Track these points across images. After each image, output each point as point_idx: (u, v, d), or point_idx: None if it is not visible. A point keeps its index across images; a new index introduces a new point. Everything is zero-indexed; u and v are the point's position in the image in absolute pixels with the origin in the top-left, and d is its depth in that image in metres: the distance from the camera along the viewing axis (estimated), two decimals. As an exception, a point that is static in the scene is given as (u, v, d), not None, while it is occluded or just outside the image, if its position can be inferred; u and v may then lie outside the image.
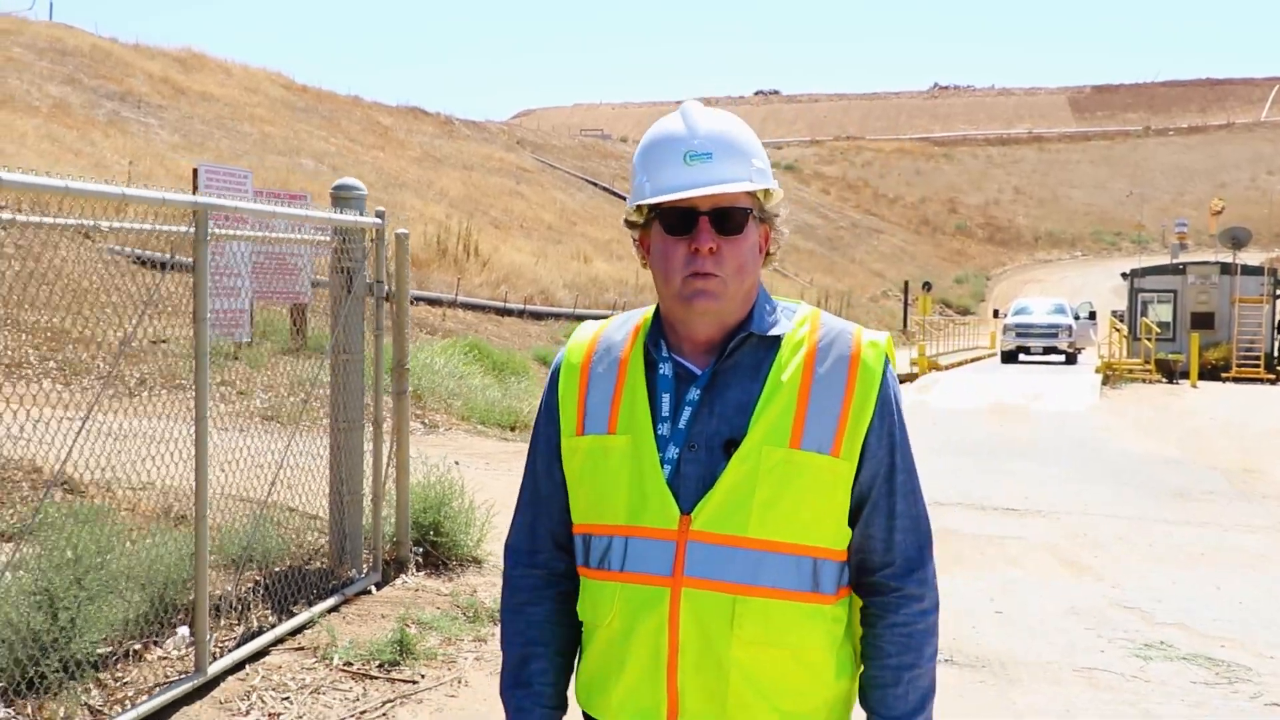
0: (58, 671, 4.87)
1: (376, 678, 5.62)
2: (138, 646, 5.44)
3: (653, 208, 2.16)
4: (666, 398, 2.16)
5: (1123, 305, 38.02)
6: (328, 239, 6.83)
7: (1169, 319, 33.72)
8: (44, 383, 11.65)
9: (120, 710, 4.88)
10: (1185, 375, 29.63)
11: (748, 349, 2.17)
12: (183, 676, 5.22)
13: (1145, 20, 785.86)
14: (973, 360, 39.25)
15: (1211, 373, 31.01)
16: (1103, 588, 8.15)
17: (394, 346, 7.35)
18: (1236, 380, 30.80)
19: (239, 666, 5.54)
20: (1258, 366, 31.77)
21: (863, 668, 2.21)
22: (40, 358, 12.67)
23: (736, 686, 2.08)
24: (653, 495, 2.11)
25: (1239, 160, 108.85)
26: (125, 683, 5.18)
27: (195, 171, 15.80)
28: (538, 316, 29.73)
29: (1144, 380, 29.39)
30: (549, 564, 2.30)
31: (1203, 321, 33.13)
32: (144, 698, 5.00)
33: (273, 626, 5.94)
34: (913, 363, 31.57)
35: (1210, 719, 5.65)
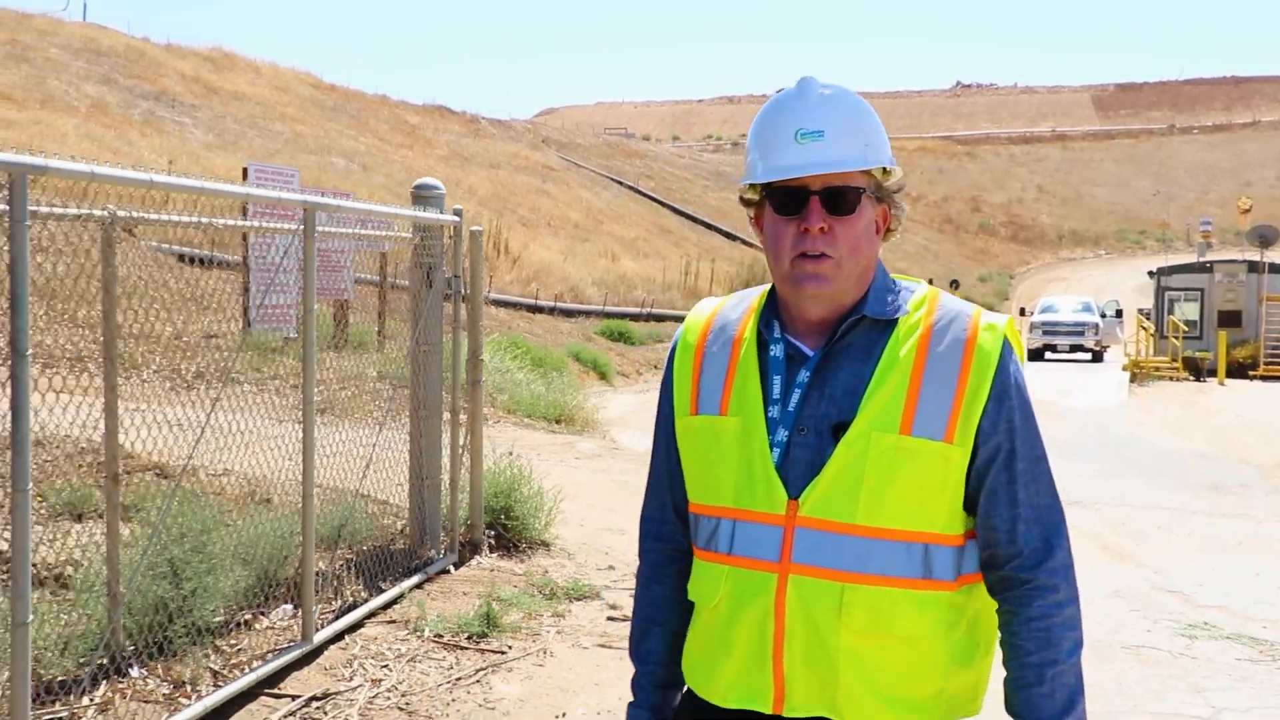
0: (183, 637, 5.24)
1: (467, 648, 5.97)
2: (248, 617, 5.82)
3: (765, 186, 2.14)
4: (778, 380, 2.14)
5: (1147, 304, 38.12)
6: (409, 236, 7.18)
7: (1196, 317, 33.83)
8: (88, 377, 12.03)
9: (239, 674, 5.24)
10: (1213, 373, 29.78)
11: (861, 331, 2.14)
12: (291, 644, 5.58)
13: (1169, 18, 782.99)
14: (999, 358, 39.42)
15: (1239, 371, 31.11)
16: (1145, 573, 8.45)
17: (469, 339, 7.70)
18: (1264, 378, 30.90)
19: (339, 637, 5.90)
20: (1286, 364, 31.91)
21: (1006, 673, 2.14)
22: (90, 353, 13.06)
23: (845, 675, 2.05)
24: (760, 479, 2.10)
25: (1264, 158, 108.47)
26: (239, 649, 5.55)
27: (245, 171, 16.22)
28: (568, 314, 30.06)
29: (1171, 378, 29.57)
30: (673, 538, 2.32)
31: (1230, 320, 33.23)
32: (258, 662, 5.37)
33: (365, 601, 6.30)
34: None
35: (1257, 691, 5.95)
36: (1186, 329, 32.40)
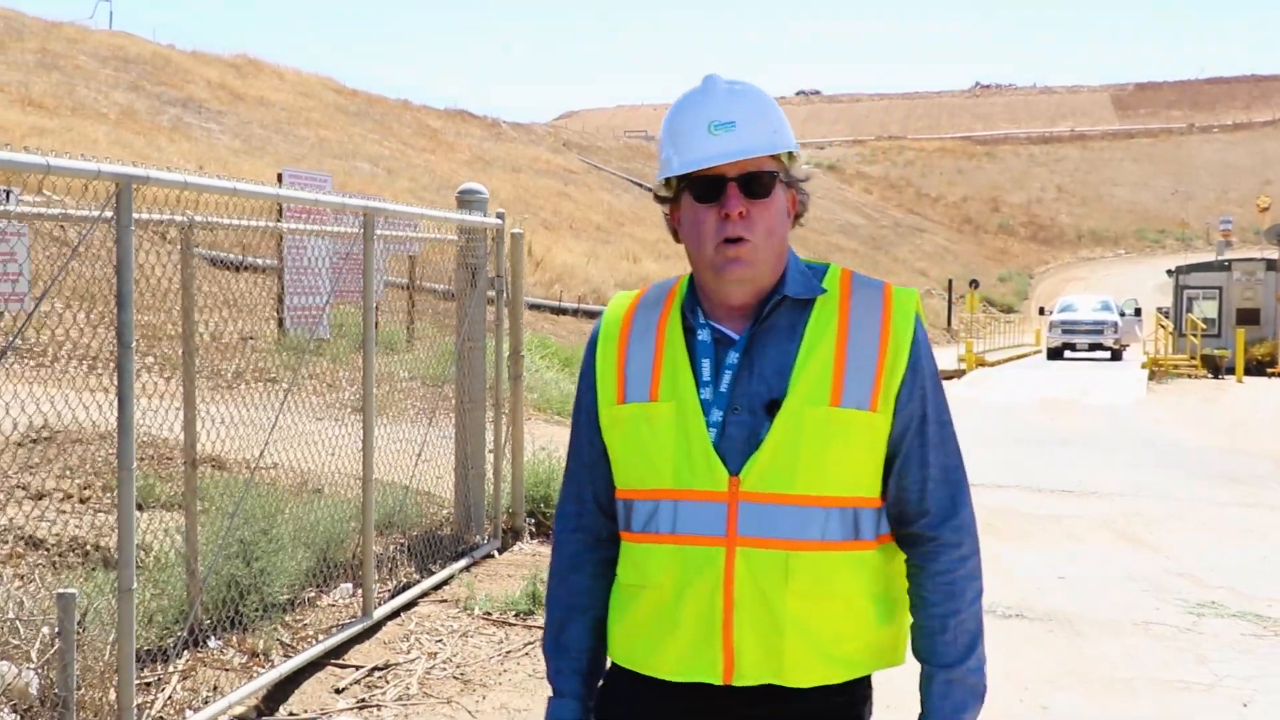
0: (255, 612, 5.66)
1: (514, 624, 6.37)
2: (311, 594, 6.24)
3: (681, 179, 2.22)
4: (707, 363, 2.21)
5: (1166, 303, 38.36)
6: (455, 239, 7.58)
7: (1214, 315, 34.06)
8: (146, 376, 12.49)
9: (306, 646, 5.64)
10: (1231, 370, 30.00)
11: (783, 310, 2.23)
12: (353, 620, 5.99)
13: (1189, 16, 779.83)
14: (1019, 357, 39.70)
15: (1257, 368, 31.32)
16: (1158, 558, 8.79)
17: (510, 335, 8.09)
18: (1282, 375, 31.13)
19: (395, 614, 6.32)
20: (1303, 362, 32.08)
21: (912, 620, 2.28)
22: (139, 353, 13.51)
23: (791, 638, 2.15)
24: (700, 458, 2.17)
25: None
26: (305, 624, 5.96)
27: (279, 176, 16.65)
28: (591, 315, 30.35)
29: (1189, 375, 29.82)
30: (594, 528, 2.37)
31: (1248, 317, 33.45)
32: (323, 636, 5.78)
33: (418, 582, 6.71)
34: (960, 359, 32.10)
35: (1259, 663, 6.30)
36: (1205, 327, 32.63)
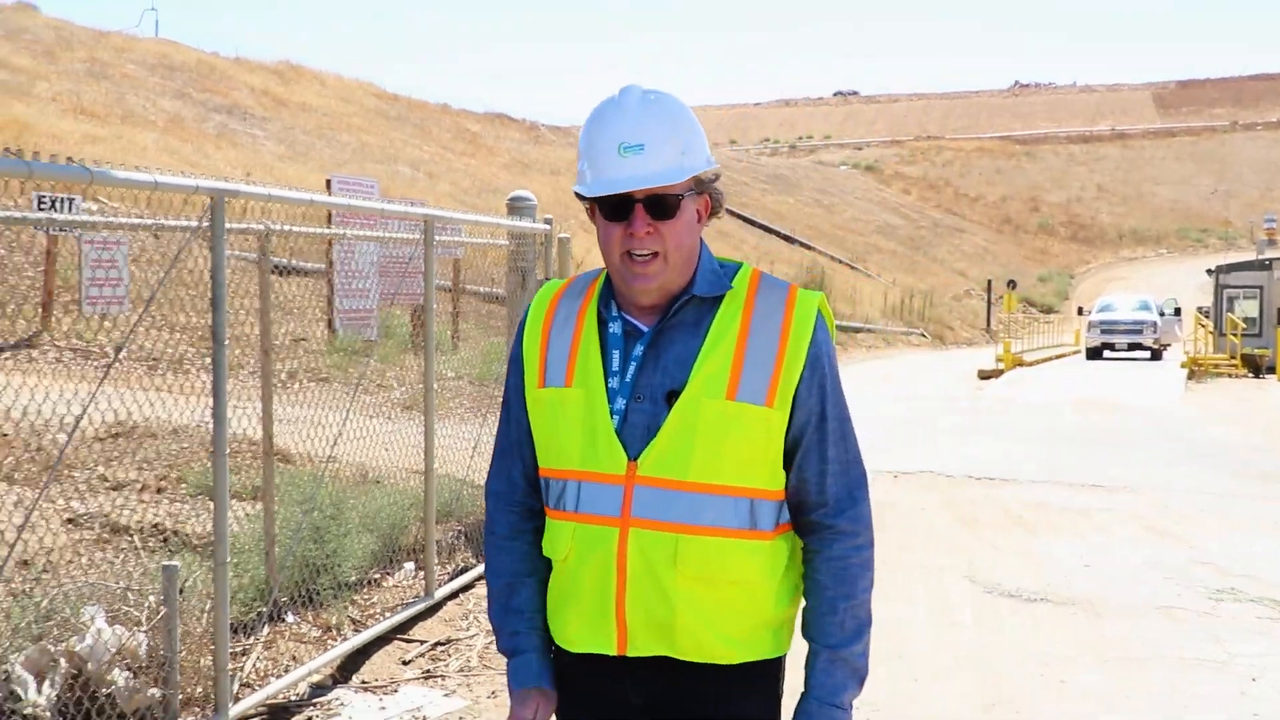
0: (328, 590, 6.10)
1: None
2: (377, 576, 6.68)
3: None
4: (616, 354, 2.33)
5: (1208, 302, 38.36)
6: (505, 243, 8.00)
7: (1255, 314, 34.06)
8: (203, 376, 13.00)
9: (374, 622, 6.08)
10: (1271, 370, 30.06)
11: (690, 308, 2.34)
12: (416, 599, 6.43)
13: (1233, 12, 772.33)
14: (1057, 357, 39.80)
15: (1298, 367, 31.35)
16: (1182, 549, 9.10)
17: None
18: (1322, 375, 31.12)
19: (454, 595, 6.75)
20: (1343, 361, 32.05)
21: (804, 603, 2.39)
22: (198, 354, 14.03)
23: (681, 617, 2.26)
24: (603, 443, 2.28)
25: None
26: (372, 602, 6.41)
27: (329, 182, 17.18)
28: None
29: (1229, 375, 29.91)
30: (524, 502, 2.49)
31: (1289, 316, 33.45)
32: (389, 613, 6.21)
33: (474, 566, 7.13)
34: (998, 359, 32.29)
35: (1272, 644, 6.62)
36: (1245, 326, 32.66)
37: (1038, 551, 8.88)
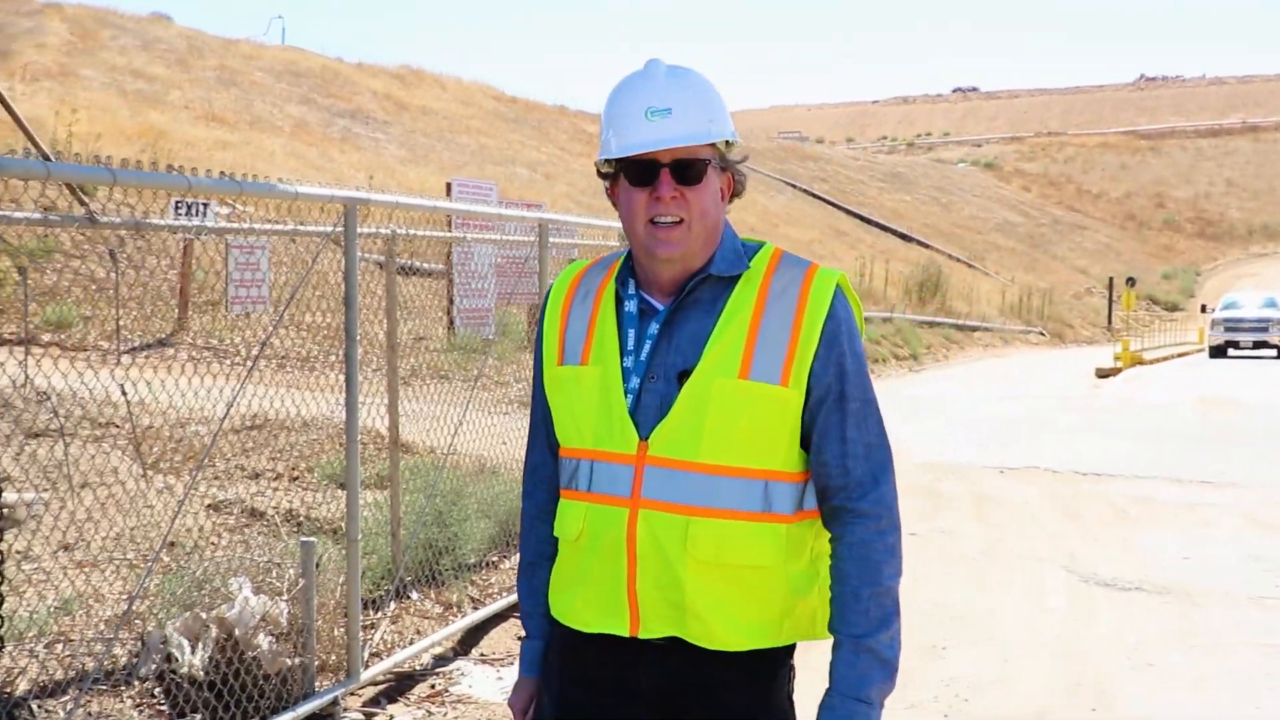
0: (449, 570, 6.54)
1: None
2: (494, 559, 7.11)
3: (619, 161, 2.28)
4: (631, 332, 2.31)
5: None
6: (616, 245, 8.38)
7: (1386, 311, 33.23)
8: (328, 373, 13.61)
9: (491, 600, 6.51)
10: (1400, 368, 29.30)
11: (707, 287, 2.30)
12: (531, 581, 6.84)
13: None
14: (1179, 355, 39.15)
15: None
16: (1286, 543, 9.18)
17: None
18: None
19: (567, 578, 7.15)
20: None
21: (830, 591, 2.29)
22: (323, 352, 14.66)
23: (692, 599, 2.21)
24: (616, 422, 2.26)
25: None
26: (490, 583, 6.83)
27: (449, 185, 17.75)
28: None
29: (1358, 373, 29.22)
30: (553, 480, 2.47)
31: None
32: (505, 592, 6.63)
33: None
34: (1116, 357, 31.94)
35: (1364, 633, 6.75)
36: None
37: (1138, 544, 9.02)
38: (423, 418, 8.24)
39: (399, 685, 5.59)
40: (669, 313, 2.29)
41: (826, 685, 2.24)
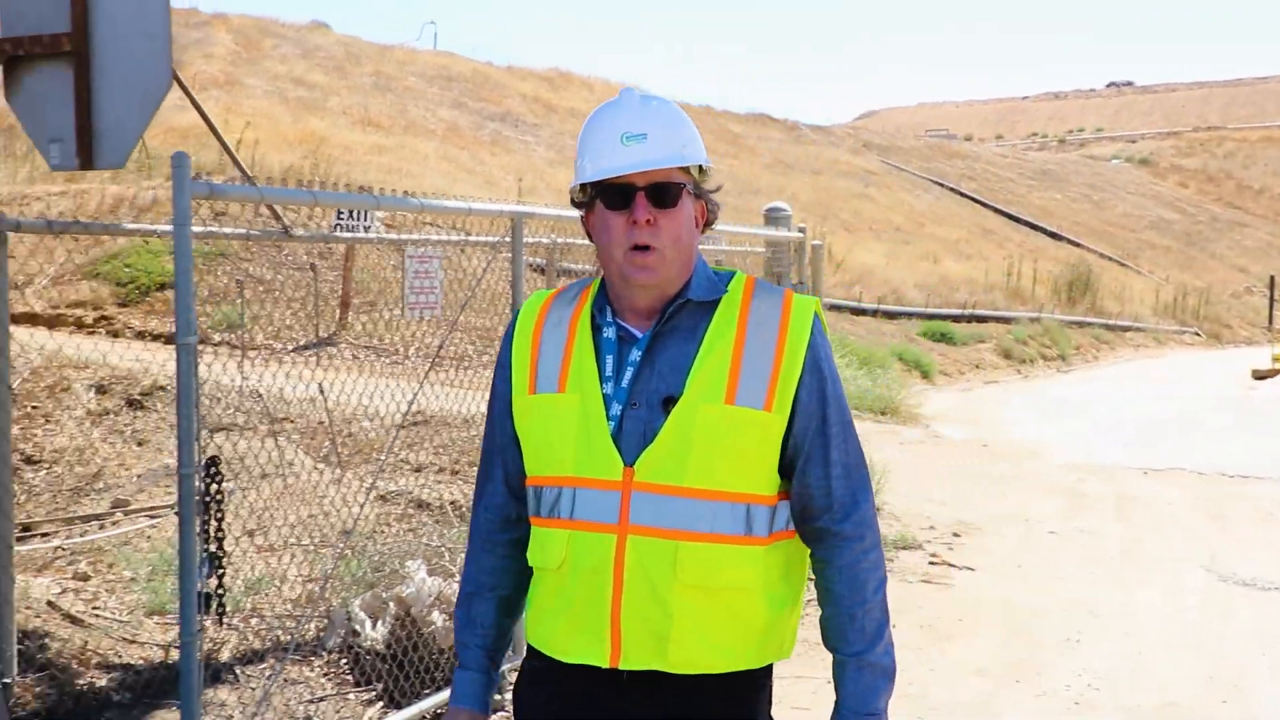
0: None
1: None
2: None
3: (595, 186, 2.30)
4: (610, 359, 2.30)
5: None
6: (761, 250, 8.72)
7: None
8: (484, 372, 14.14)
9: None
10: None
11: (685, 313, 2.31)
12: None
13: None
14: (1344, 356, 37.94)
15: None
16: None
17: (810, 334, 9.20)
18: None
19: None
20: None
21: (821, 612, 2.35)
22: (477, 351, 15.22)
23: (677, 627, 2.21)
24: (599, 449, 2.24)
25: None
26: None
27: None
28: (890, 316, 30.70)
29: None
30: (503, 509, 2.46)
31: None
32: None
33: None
34: (1275, 359, 31.14)
35: None
36: None
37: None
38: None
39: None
40: (650, 339, 2.30)
41: (835, 702, 2.32)
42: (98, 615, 5.79)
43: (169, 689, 5.07)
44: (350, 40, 49.96)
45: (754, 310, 2.30)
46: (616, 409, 2.25)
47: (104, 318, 14.48)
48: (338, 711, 5.08)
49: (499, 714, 4.96)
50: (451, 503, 8.04)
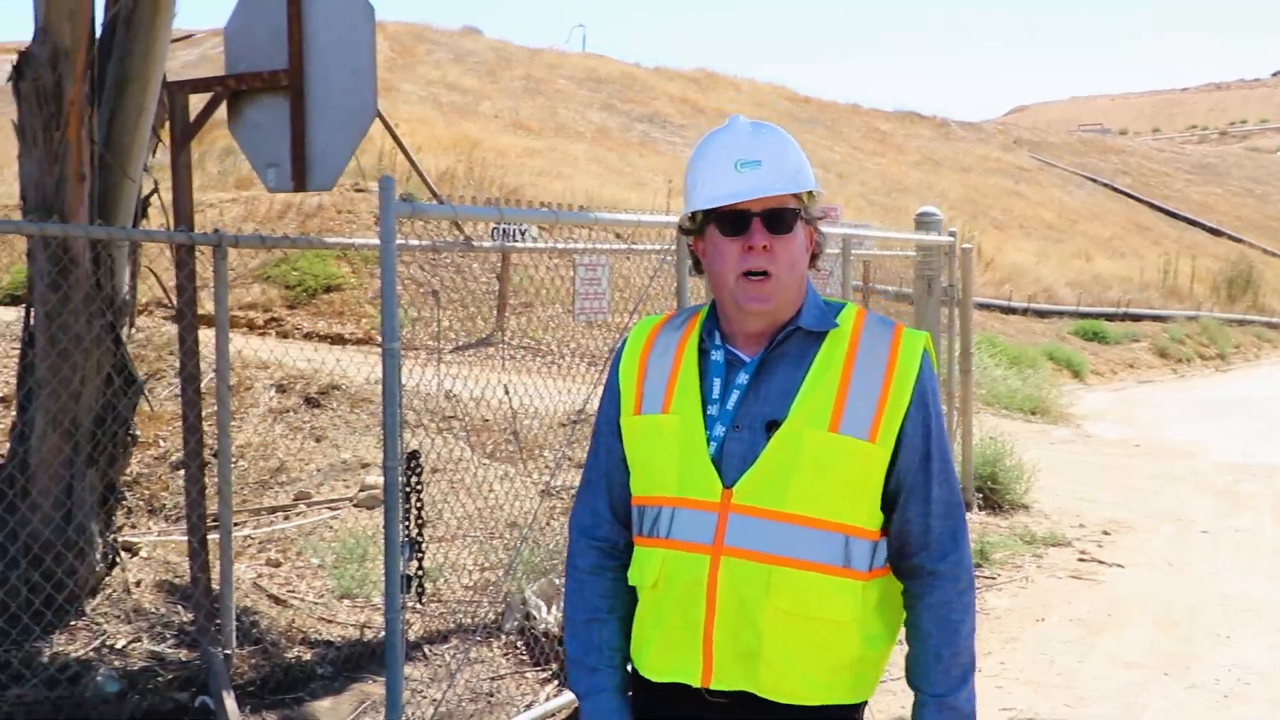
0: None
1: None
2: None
3: (707, 213, 2.32)
4: (717, 382, 2.31)
5: None
6: (912, 254, 8.96)
7: None
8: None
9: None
10: None
11: (795, 340, 2.32)
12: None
13: None
14: None
15: None
16: None
17: (960, 336, 9.39)
18: None
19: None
20: None
21: (908, 649, 2.34)
22: (610, 348, 15.57)
23: (768, 650, 2.21)
24: (699, 469, 2.25)
25: None
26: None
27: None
28: (1041, 315, 30.30)
29: None
30: (609, 538, 2.46)
31: None
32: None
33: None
34: None
35: None
36: None
37: None
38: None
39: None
40: (758, 363, 2.31)
41: None
42: (294, 597, 6.31)
43: (365, 664, 5.55)
44: (501, 44, 50.83)
45: (863, 341, 2.31)
46: (719, 431, 2.27)
47: (274, 319, 15.14)
48: (518, 688, 5.49)
49: None
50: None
